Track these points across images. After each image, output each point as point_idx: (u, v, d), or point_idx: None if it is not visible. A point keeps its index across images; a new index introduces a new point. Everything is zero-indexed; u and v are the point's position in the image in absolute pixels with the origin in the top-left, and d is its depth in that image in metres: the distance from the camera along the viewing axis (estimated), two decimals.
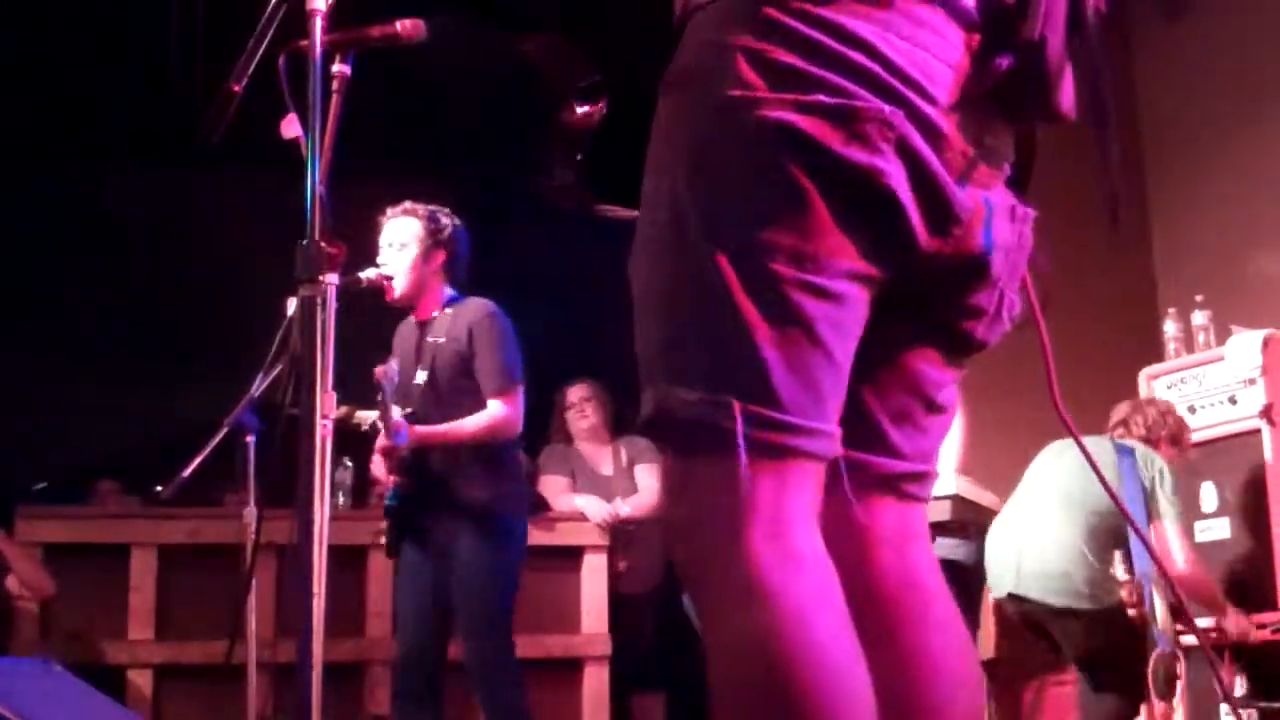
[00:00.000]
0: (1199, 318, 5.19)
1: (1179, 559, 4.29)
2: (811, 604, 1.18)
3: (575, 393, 5.46)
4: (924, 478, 1.43)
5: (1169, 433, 4.55)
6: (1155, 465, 4.42)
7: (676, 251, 1.25)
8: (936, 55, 1.26)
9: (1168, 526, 4.33)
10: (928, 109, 1.25)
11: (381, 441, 3.79)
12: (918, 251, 1.26)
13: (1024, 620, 4.38)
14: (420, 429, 3.81)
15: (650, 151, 1.31)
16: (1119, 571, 4.18)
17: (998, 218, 1.32)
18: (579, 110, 1.48)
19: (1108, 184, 1.41)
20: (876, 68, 1.22)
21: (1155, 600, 4.32)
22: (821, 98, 1.21)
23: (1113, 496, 1.73)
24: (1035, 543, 4.26)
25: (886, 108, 1.22)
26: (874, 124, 1.21)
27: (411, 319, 4.08)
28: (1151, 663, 4.24)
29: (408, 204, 4.01)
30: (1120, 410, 4.61)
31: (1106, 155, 1.39)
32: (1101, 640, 4.21)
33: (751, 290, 1.21)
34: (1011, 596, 4.33)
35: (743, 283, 1.21)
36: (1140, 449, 4.46)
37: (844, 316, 1.24)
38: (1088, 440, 1.56)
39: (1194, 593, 4.36)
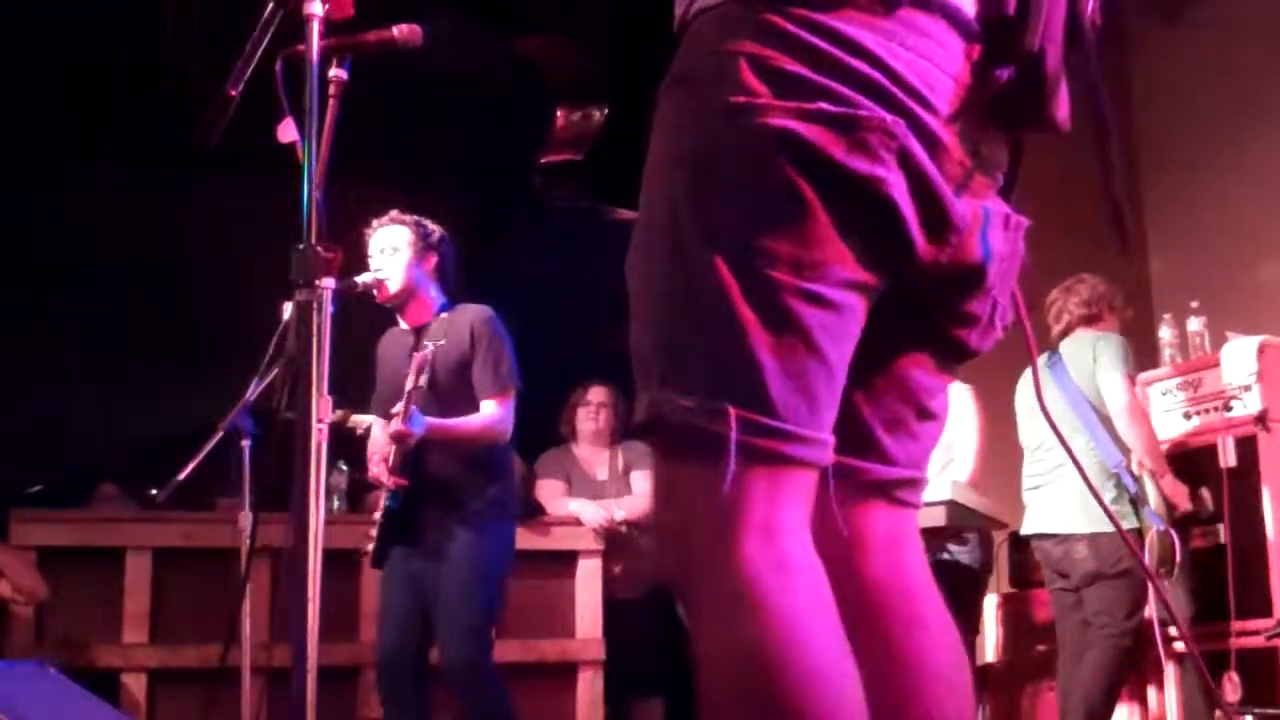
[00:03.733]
0: (1194, 324, 5.20)
1: (1118, 402, 4.46)
2: (803, 612, 1.18)
3: (595, 394, 5.46)
4: (915, 484, 1.43)
5: (1107, 302, 4.65)
6: (1089, 343, 4.56)
7: (675, 255, 1.25)
8: (938, 65, 1.26)
9: (1103, 377, 4.49)
10: (929, 119, 1.25)
11: (396, 426, 3.78)
12: (916, 261, 1.26)
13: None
14: (432, 419, 3.83)
15: (650, 154, 1.30)
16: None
17: (993, 227, 1.33)
18: (580, 111, 1.48)
19: (1109, 197, 1.41)
20: (879, 77, 1.22)
21: (1145, 484, 4.44)
22: (824, 106, 1.20)
23: (1058, 435, 1.75)
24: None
25: (889, 117, 1.21)
26: (876, 133, 1.21)
27: (400, 327, 4.09)
28: (1149, 541, 4.30)
29: (394, 213, 4.06)
30: (1054, 304, 4.72)
31: (1108, 169, 1.39)
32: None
33: (750, 297, 1.20)
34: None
35: (741, 289, 1.20)
36: (1073, 340, 4.60)
37: (841, 325, 1.24)
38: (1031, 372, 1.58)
39: (1140, 435, 4.50)
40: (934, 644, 1.37)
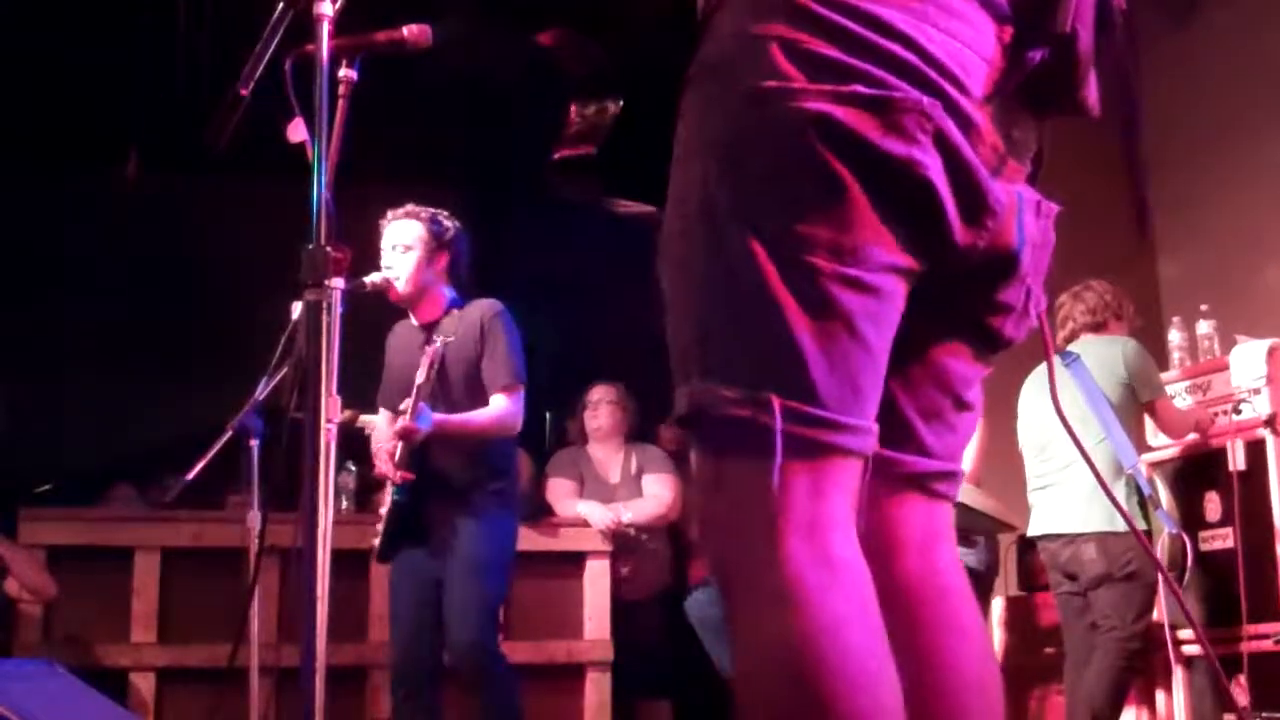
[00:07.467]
0: (1204, 327, 5.18)
1: (1179, 433, 4.69)
2: (846, 611, 1.16)
3: (596, 393, 5.49)
4: (952, 476, 1.41)
5: (1113, 310, 4.67)
6: (1117, 349, 4.56)
7: (710, 245, 1.23)
8: (971, 47, 1.25)
9: (1160, 405, 4.63)
10: (963, 101, 1.23)
11: (403, 424, 3.79)
12: (954, 244, 1.25)
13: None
14: (439, 415, 3.84)
15: (678, 143, 1.29)
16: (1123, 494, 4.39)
17: (1026, 212, 1.31)
18: (595, 104, 1.47)
19: (1134, 187, 1.41)
20: (913, 59, 1.21)
21: (1157, 485, 4.45)
22: (859, 88, 1.19)
23: (1074, 439, 1.71)
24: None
25: (924, 99, 1.20)
26: (912, 115, 1.19)
27: (410, 322, 4.09)
28: (1160, 544, 4.30)
29: (409, 206, 4.04)
30: (1062, 307, 4.75)
31: (1133, 159, 1.39)
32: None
33: (790, 284, 1.19)
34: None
35: (781, 276, 1.19)
36: (1095, 345, 4.59)
37: (882, 310, 1.22)
38: (1040, 370, 1.51)
39: (1189, 434, 4.74)
40: (966, 646, 1.35)
